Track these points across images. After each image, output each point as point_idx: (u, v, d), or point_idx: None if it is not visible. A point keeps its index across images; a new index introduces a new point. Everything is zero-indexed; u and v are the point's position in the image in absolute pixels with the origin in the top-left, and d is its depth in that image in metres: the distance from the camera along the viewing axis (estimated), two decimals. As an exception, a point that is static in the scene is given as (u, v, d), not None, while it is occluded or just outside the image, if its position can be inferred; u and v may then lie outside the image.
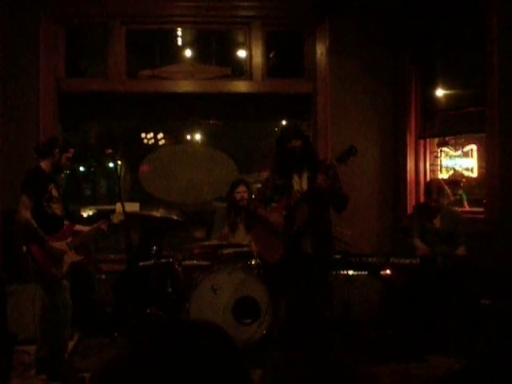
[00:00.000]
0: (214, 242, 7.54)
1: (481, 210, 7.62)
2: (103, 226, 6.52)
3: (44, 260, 5.95)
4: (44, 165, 6.13)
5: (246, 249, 7.27)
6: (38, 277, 6.09)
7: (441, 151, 8.20)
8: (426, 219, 7.29)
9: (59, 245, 6.08)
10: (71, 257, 6.22)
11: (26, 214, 5.88)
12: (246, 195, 7.59)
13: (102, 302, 7.79)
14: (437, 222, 7.27)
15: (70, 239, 6.23)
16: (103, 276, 7.95)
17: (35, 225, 5.89)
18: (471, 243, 7.10)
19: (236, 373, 1.29)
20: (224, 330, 1.38)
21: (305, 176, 6.28)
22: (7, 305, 6.93)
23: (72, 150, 6.33)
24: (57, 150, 6.15)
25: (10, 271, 7.28)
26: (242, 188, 7.64)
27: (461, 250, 7.05)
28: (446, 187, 7.38)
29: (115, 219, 6.53)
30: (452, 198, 7.59)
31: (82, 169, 16.62)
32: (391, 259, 6.50)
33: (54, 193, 6.12)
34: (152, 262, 7.30)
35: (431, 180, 7.91)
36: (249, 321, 6.82)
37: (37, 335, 6.25)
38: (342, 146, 6.32)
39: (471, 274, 6.40)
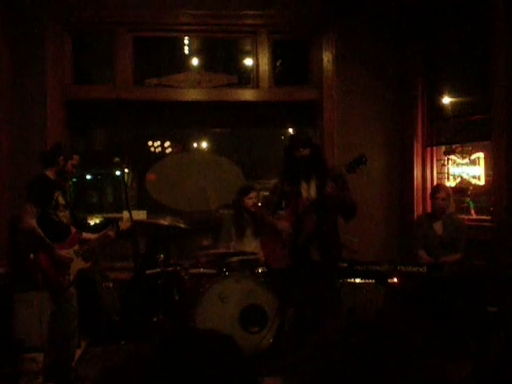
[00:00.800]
0: (221, 250, 7.53)
1: (488, 217, 7.61)
2: (111, 233, 6.51)
3: (51, 268, 5.95)
4: (49, 173, 6.12)
5: (252, 256, 7.27)
6: (45, 284, 6.09)
7: (448, 159, 8.19)
8: (428, 227, 7.32)
9: (66, 252, 6.08)
10: (78, 264, 6.22)
11: (31, 223, 5.87)
12: (256, 201, 7.60)
13: (108, 310, 7.80)
14: (438, 229, 7.29)
15: (77, 247, 6.23)
16: (110, 284, 7.96)
17: (41, 233, 5.89)
18: (478, 251, 7.10)
19: (243, 380, 1.29)
20: (232, 338, 1.38)
21: (313, 184, 6.28)
22: (14, 312, 6.95)
23: (77, 157, 6.33)
24: (61, 158, 6.15)
25: (17, 279, 7.29)
26: (253, 194, 7.65)
27: (457, 256, 7.06)
28: (451, 193, 7.45)
29: (123, 225, 6.52)
30: (454, 207, 7.62)
31: (88, 177, 16.64)
32: (398, 267, 6.48)
33: (61, 200, 6.12)
34: (159, 270, 7.30)
35: (439, 183, 7.96)
36: (256, 329, 6.81)
37: (44, 343, 6.25)
38: (348, 154, 6.34)
39: (478, 282, 6.38)
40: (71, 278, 6.10)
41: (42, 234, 5.89)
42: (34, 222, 5.88)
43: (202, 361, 1.25)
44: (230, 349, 1.34)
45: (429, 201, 8.02)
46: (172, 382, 1.21)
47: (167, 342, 1.33)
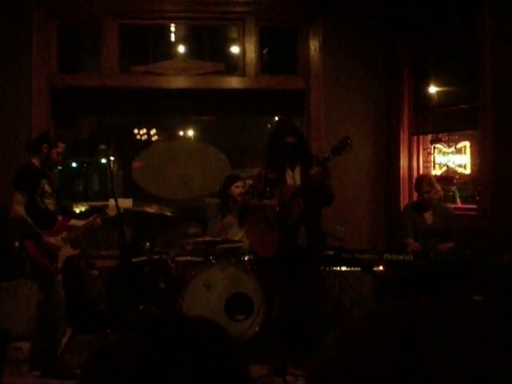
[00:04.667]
0: (207, 237, 7.53)
1: (473, 206, 7.64)
2: (97, 221, 6.53)
3: (39, 255, 5.95)
4: (35, 161, 6.15)
5: (239, 245, 7.28)
6: (33, 272, 6.09)
7: (434, 148, 8.21)
8: (417, 216, 7.32)
9: (54, 240, 6.09)
10: (67, 252, 6.24)
11: (20, 210, 5.90)
12: (243, 190, 7.60)
13: (94, 298, 7.79)
14: (428, 218, 7.29)
15: (65, 234, 6.24)
16: (96, 272, 7.95)
17: (29, 220, 5.90)
18: (464, 239, 7.12)
19: (232, 367, 1.29)
20: (218, 324, 1.37)
21: (298, 170, 6.27)
22: (0, 301, 6.93)
23: (62, 145, 6.33)
24: (45, 146, 6.16)
25: (3, 267, 7.27)
26: (240, 183, 7.66)
27: (450, 245, 7.06)
28: (436, 183, 7.43)
29: (111, 212, 6.52)
30: (442, 194, 7.61)
31: (74, 165, 16.60)
32: (384, 255, 6.50)
33: (47, 188, 6.13)
34: (145, 258, 7.30)
35: (421, 175, 7.96)
36: (242, 317, 6.82)
37: (31, 331, 6.24)
38: (335, 142, 6.31)
39: (464, 270, 6.41)
40: (59, 265, 6.11)
41: (31, 222, 5.91)
42: (22, 210, 5.90)
43: (189, 347, 1.25)
44: (218, 336, 1.33)
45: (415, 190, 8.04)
46: (160, 369, 1.21)
47: (154, 328, 1.32)
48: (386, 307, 1.07)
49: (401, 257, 6.50)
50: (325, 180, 6.09)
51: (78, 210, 9.33)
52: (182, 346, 1.25)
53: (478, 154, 7.49)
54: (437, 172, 8.11)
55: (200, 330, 1.32)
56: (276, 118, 10.54)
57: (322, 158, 5.98)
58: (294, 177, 6.28)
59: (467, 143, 7.80)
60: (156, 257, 7.35)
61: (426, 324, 0.99)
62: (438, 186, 7.43)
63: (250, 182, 7.29)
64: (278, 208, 6.10)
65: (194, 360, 1.23)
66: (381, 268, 6.60)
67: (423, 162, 8.39)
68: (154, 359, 1.22)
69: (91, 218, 6.56)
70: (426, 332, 0.97)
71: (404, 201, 8.31)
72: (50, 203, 6.16)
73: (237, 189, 7.61)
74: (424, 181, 7.31)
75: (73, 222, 6.48)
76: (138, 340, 1.29)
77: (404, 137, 8.43)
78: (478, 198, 7.56)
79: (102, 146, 6.90)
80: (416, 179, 7.75)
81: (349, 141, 5.82)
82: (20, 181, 6.02)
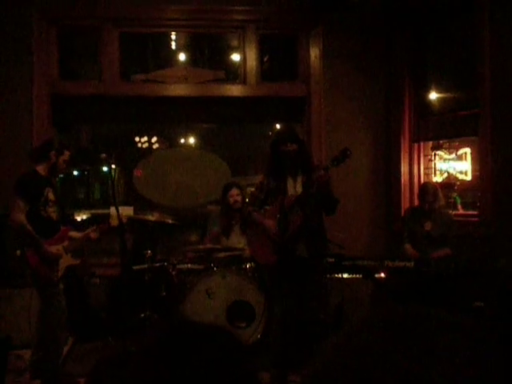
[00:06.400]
0: (209, 245, 7.53)
1: (475, 212, 7.64)
2: (92, 235, 6.49)
3: (39, 264, 5.92)
4: (40, 169, 6.09)
5: (240, 252, 7.27)
6: (33, 281, 6.06)
7: (435, 154, 8.21)
8: (416, 223, 7.29)
9: (55, 249, 6.05)
10: (67, 260, 6.21)
11: (21, 218, 5.85)
12: (239, 198, 7.57)
13: (96, 307, 7.78)
14: (427, 225, 7.26)
15: (66, 243, 6.21)
16: (97, 280, 7.94)
17: (30, 229, 5.86)
18: (465, 246, 7.11)
19: (244, 375, 1.28)
20: (232, 332, 1.37)
21: (299, 180, 6.25)
22: (1, 309, 6.92)
23: (68, 153, 6.29)
24: (53, 153, 6.12)
25: (4, 275, 7.26)
26: (235, 191, 7.63)
27: (446, 251, 7.04)
28: (440, 192, 7.41)
29: (113, 222, 6.49)
30: (444, 202, 7.60)
31: (75, 173, 16.61)
32: (385, 262, 6.50)
33: (51, 196, 6.09)
34: (146, 265, 7.29)
35: (426, 183, 7.87)
36: (243, 325, 6.81)
37: (32, 339, 6.22)
38: (335, 149, 6.30)
39: (465, 277, 6.40)
40: (60, 274, 6.08)
41: (31, 230, 5.86)
42: (23, 218, 5.85)
43: (201, 355, 1.24)
44: (231, 342, 1.33)
45: (416, 197, 8.02)
46: (172, 378, 1.20)
47: (166, 336, 1.32)
48: (383, 310, 1.07)
49: (401, 263, 6.50)
50: (328, 186, 6.09)
51: (79, 218, 9.34)
52: (193, 353, 1.25)
53: (479, 161, 7.48)
54: (438, 179, 8.10)
55: (212, 337, 1.31)
56: (277, 126, 10.54)
57: (323, 169, 5.98)
58: (295, 186, 6.26)
59: (468, 149, 7.80)
60: (157, 264, 7.34)
61: (424, 326, 0.99)
62: (441, 194, 7.42)
63: (252, 189, 7.29)
64: (277, 218, 6.06)
65: (206, 368, 1.22)
66: (382, 275, 6.59)
67: (424, 168, 8.39)
68: (165, 367, 1.22)
69: (88, 231, 6.53)
70: (425, 334, 0.97)
71: (405, 207, 8.30)
72: (52, 212, 6.12)
73: (231, 198, 7.59)
74: (429, 191, 7.22)
75: (70, 233, 6.43)
76: (149, 348, 1.28)
77: (405, 143, 8.43)
78: (478, 204, 7.55)
79: (103, 155, 6.86)
80: (421, 187, 7.63)
81: (348, 152, 5.82)
82: (23, 188, 5.95)
